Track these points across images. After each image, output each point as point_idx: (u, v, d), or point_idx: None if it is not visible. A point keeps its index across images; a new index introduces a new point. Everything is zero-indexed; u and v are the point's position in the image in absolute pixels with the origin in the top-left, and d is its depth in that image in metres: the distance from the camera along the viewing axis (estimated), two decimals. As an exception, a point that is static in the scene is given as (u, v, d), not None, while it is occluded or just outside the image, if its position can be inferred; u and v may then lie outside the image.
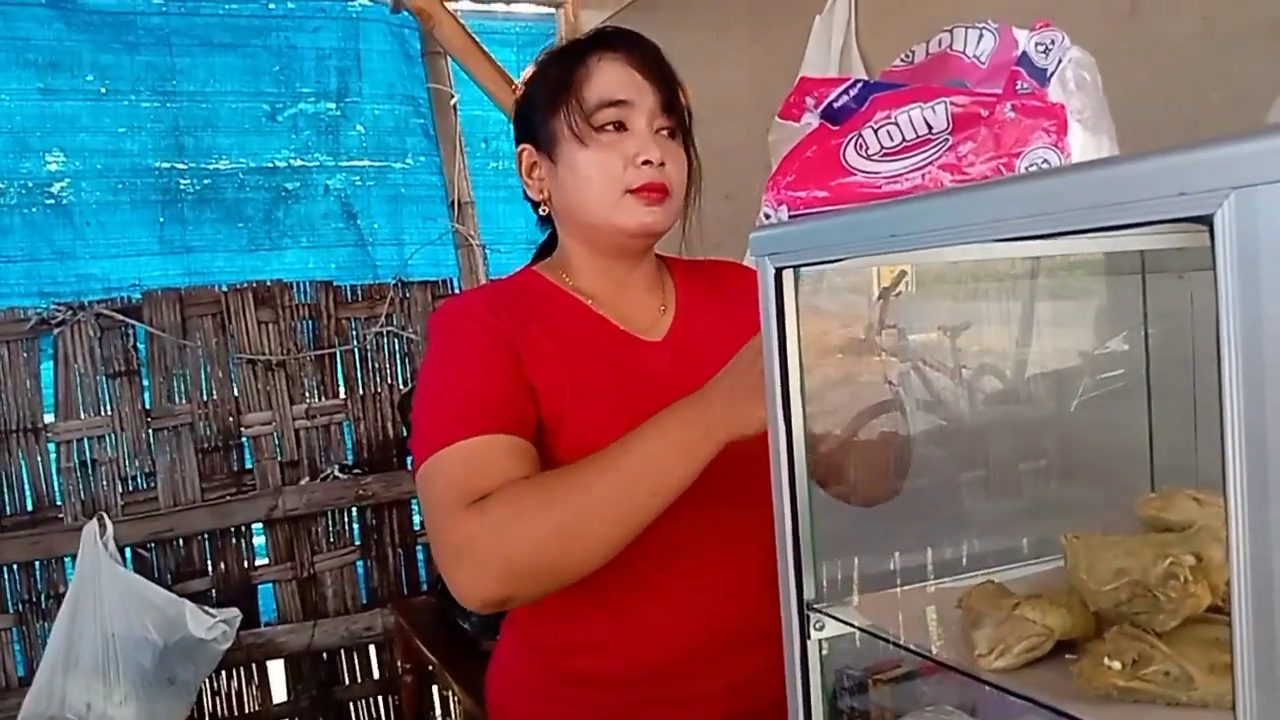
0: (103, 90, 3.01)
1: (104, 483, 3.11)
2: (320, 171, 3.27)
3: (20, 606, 3.05)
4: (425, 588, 3.45)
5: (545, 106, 1.18)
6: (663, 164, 1.16)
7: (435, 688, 3.49)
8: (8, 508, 3.02)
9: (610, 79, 1.16)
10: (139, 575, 3.01)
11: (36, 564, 3.06)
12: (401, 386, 3.43)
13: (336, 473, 3.34)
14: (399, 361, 3.45)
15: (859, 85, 0.77)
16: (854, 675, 1.88)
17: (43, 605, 3.06)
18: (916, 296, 0.88)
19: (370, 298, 3.38)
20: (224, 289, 3.19)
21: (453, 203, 3.42)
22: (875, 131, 0.74)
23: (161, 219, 3.10)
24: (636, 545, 1.00)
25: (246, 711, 3.31)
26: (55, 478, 3.06)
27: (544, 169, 1.22)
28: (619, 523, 0.96)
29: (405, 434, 3.39)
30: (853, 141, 0.75)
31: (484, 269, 3.50)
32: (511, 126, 1.30)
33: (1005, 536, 0.85)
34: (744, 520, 1.13)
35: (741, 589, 1.16)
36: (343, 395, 3.37)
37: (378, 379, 3.42)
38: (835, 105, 0.77)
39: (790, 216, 0.77)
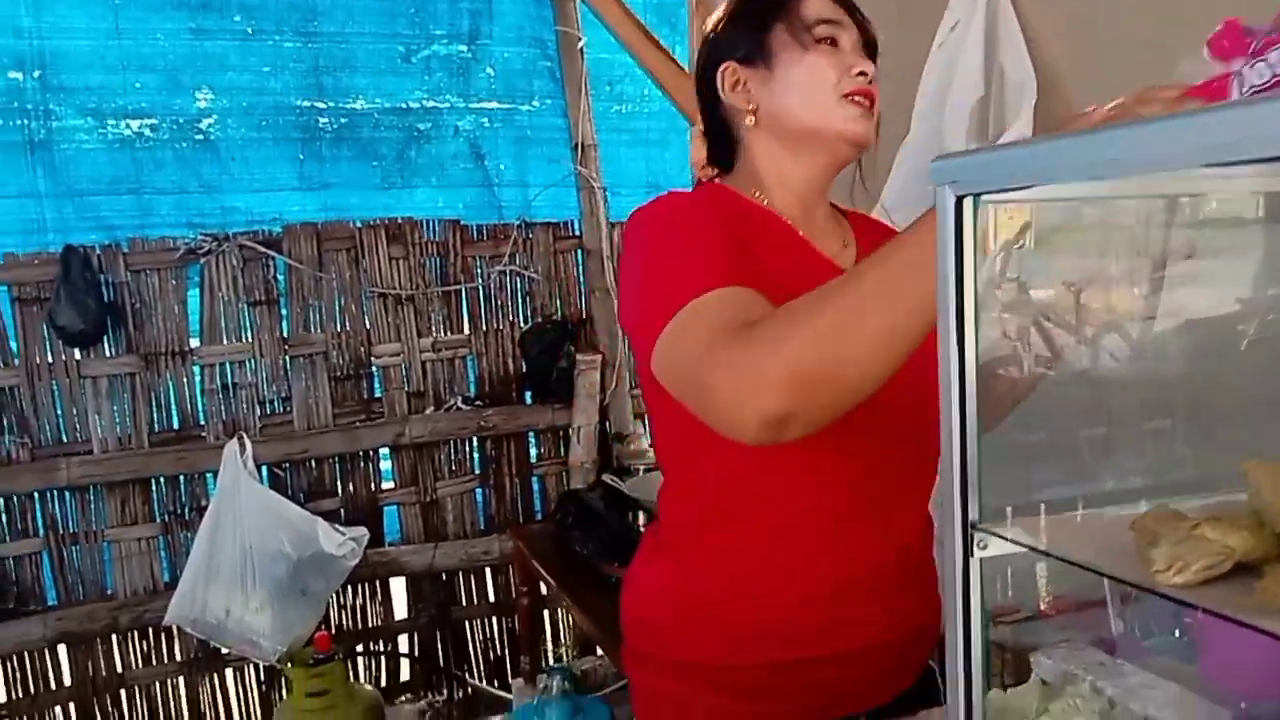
0: (249, 30, 3.14)
1: (244, 405, 3.29)
2: (451, 113, 3.37)
3: (166, 517, 3.27)
4: (540, 516, 3.59)
5: (757, 23, 1.23)
6: (872, 81, 1.22)
7: (547, 612, 3.64)
8: (156, 425, 3.23)
9: (823, 3, 1.23)
10: (275, 493, 3.20)
11: (181, 478, 3.27)
12: (522, 324, 3.54)
13: (459, 404, 3.47)
14: (520, 300, 3.56)
15: None
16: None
17: (186, 517, 3.28)
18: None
19: (495, 237, 3.49)
20: (358, 225, 3.33)
21: (576, 145, 3.49)
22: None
23: (301, 156, 3.23)
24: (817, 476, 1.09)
25: (370, 625, 3.50)
26: (199, 399, 3.26)
27: (753, 81, 1.24)
28: (893, 313, 0.92)
29: (525, 369, 3.50)
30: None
31: (604, 211, 3.57)
32: (694, 58, 1.36)
33: (1166, 472, 0.89)
34: (918, 457, 1.21)
35: (911, 522, 1.24)
36: (467, 330, 3.50)
37: (500, 316, 3.54)
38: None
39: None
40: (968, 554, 0.82)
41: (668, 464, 1.29)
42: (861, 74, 1.21)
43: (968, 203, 0.78)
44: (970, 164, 0.78)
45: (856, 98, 1.20)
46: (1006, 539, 0.81)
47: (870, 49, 1.26)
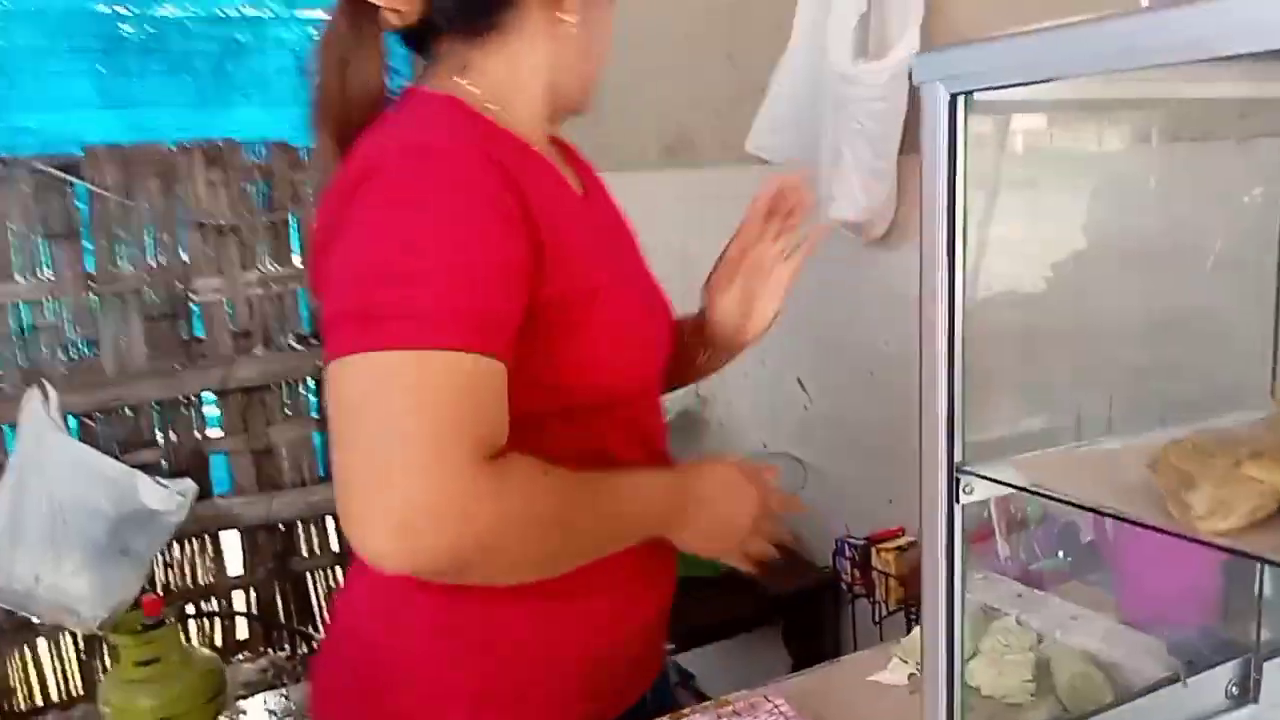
0: (31, -81, 2.76)
1: (44, 350, 2.96)
2: (273, 22, 3.07)
3: (-41, 476, 2.92)
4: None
5: None
6: None
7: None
8: (-58, 374, 2.86)
9: None
10: (86, 445, 2.90)
11: (-24, 433, 2.92)
12: (360, 255, 3.30)
13: (292, 343, 3.23)
14: (357, 229, 3.32)
15: None
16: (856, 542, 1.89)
17: (-16, 475, 2.93)
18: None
19: (326, 161, 3.22)
20: (171, 147, 3.00)
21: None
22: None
23: (102, 69, 2.88)
24: None
25: (201, 583, 3.26)
26: (-9, 343, 2.91)
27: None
28: (579, 562, 0.89)
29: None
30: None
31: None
32: None
33: (1152, 398, 0.84)
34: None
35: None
36: (297, 263, 3.24)
37: (335, 247, 3.28)
38: None
39: None
40: (953, 499, 0.74)
41: None
42: None
43: (961, 101, 0.69)
44: (965, 57, 0.69)
45: None
46: (997, 481, 0.73)
47: None
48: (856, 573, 1.84)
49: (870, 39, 1.80)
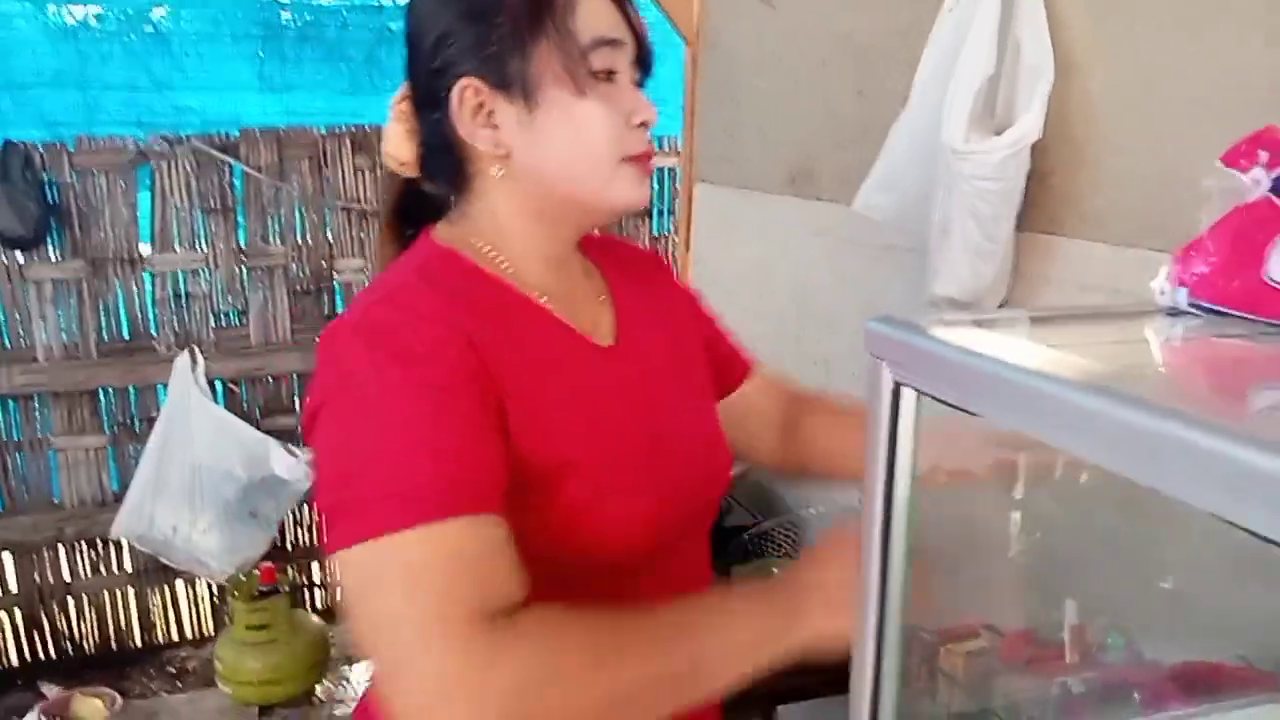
0: (204, -89, 2.87)
1: (197, 317, 3.13)
2: (426, 12, 3.10)
3: (114, 429, 3.15)
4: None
5: (514, 34, 0.90)
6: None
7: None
8: (105, 334, 3.08)
9: (599, 10, 0.92)
10: (228, 411, 3.07)
11: (131, 389, 3.13)
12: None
13: (424, 326, 3.30)
14: (494, 220, 3.35)
15: None
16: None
17: (136, 429, 3.16)
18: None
19: (469, 151, 3.26)
20: (322, 132, 3.10)
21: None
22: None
23: (261, 54, 2.99)
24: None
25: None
26: (150, 308, 3.10)
27: (505, 117, 0.91)
28: (664, 707, 0.78)
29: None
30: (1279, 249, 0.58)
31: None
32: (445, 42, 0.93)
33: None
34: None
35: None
36: (435, 249, 3.30)
37: (471, 235, 3.33)
38: None
39: (1189, 304, 0.61)
40: None
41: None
42: (643, 125, 0.94)
43: (907, 394, 0.60)
44: (912, 351, 0.60)
45: (639, 162, 0.94)
46: None
47: (647, 65, 0.97)
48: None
49: (999, 102, 1.66)
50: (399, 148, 0.99)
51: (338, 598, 0.64)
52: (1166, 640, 1.01)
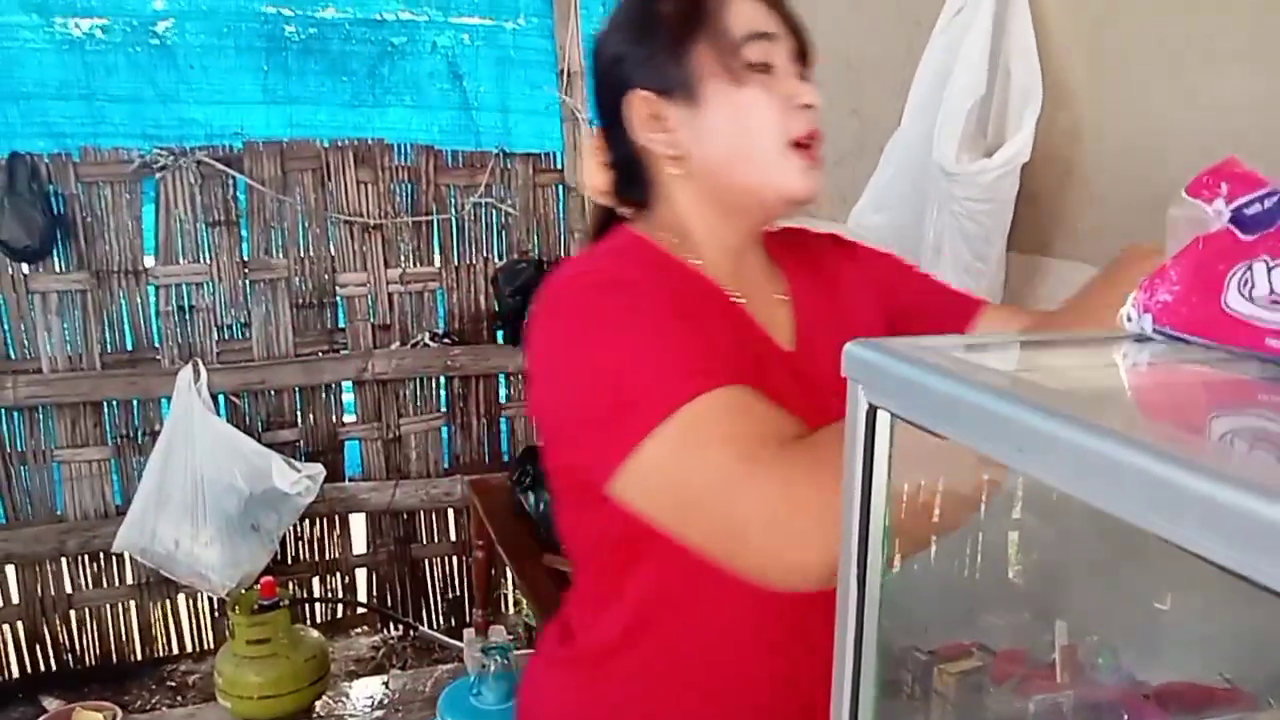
0: (210, -75, 2.89)
1: (200, 329, 3.15)
2: (428, 27, 3.11)
3: (118, 440, 3.16)
4: (507, 459, 3.47)
5: (672, 40, 0.98)
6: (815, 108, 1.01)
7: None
8: (109, 345, 3.09)
9: (751, 10, 0.99)
10: (230, 424, 3.08)
11: (134, 401, 3.15)
12: (496, 260, 3.35)
13: (427, 340, 3.32)
14: (495, 234, 3.36)
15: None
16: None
17: (139, 441, 3.17)
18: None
19: (471, 165, 3.27)
20: (325, 145, 3.12)
21: (562, 71, 3.23)
22: (1271, 270, 0.57)
23: (265, 67, 3.01)
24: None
25: (327, 558, 3.42)
26: (154, 320, 3.12)
27: (676, 120, 0.99)
28: None
29: (498, 308, 3.33)
30: (1238, 277, 0.58)
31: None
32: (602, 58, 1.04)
33: None
34: None
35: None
36: (437, 263, 3.32)
37: (473, 250, 3.35)
38: (1247, 211, 0.60)
39: (1154, 330, 0.62)
40: None
41: (584, 567, 1.10)
42: (806, 106, 0.99)
43: (882, 417, 0.61)
44: (886, 374, 0.60)
45: (804, 146, 0.99)
46: None
47: (806, 57, 1.02)
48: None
49: (990, 124, 1.67)
50: (596, 177, 1.11)
51: (629, 498, 0.72)
52: (1152, 660, 1.02)
